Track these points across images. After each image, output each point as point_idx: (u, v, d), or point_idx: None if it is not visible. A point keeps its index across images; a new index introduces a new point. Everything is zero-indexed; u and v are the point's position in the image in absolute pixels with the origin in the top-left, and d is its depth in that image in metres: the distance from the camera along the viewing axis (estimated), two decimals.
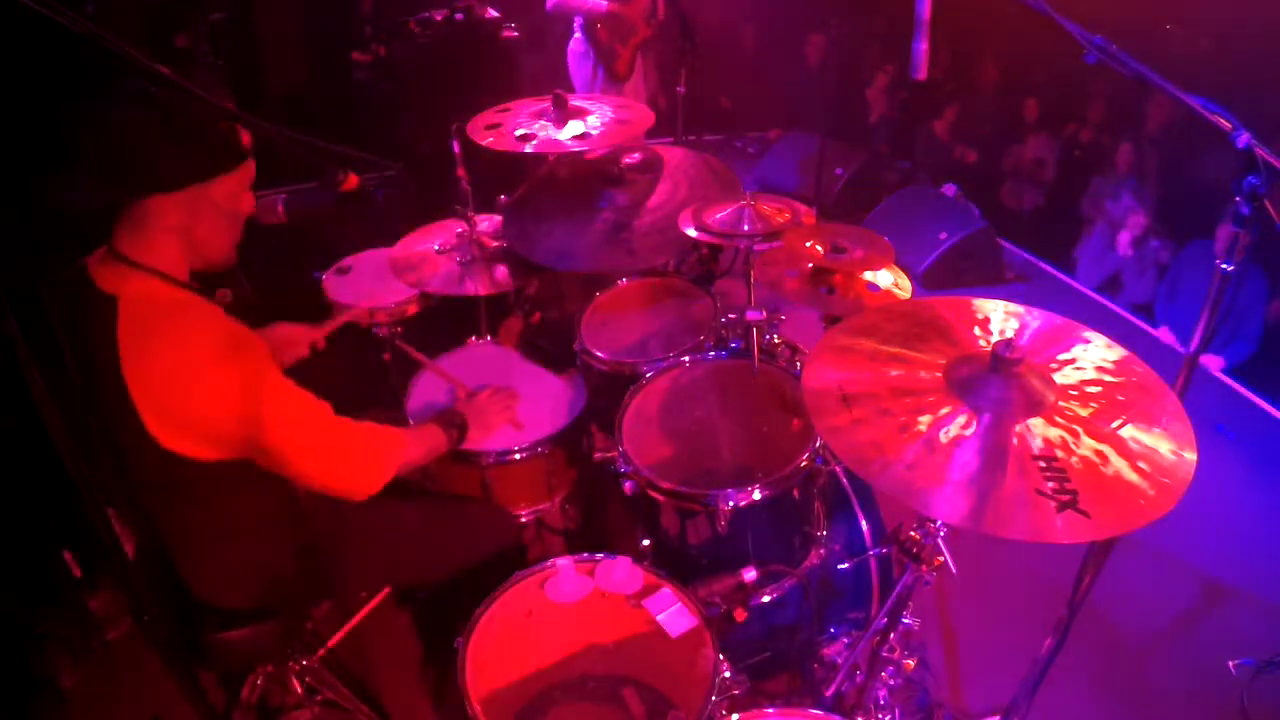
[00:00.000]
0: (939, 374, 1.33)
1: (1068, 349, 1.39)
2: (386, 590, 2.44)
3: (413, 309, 2.57)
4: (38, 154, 2.08)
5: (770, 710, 1.53)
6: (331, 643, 2.34)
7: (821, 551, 1.96)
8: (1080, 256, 5.14)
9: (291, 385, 1.55)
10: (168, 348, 1.44)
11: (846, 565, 1.99)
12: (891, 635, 1.66)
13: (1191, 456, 1.20)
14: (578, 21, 4.13)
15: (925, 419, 1.25)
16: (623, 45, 4.13)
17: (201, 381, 1.44)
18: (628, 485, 1.90)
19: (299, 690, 2.05)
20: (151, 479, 1.56)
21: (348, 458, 1.64)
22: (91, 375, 1.47)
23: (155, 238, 1.48)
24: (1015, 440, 1.21)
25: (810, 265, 2.08)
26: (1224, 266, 1.30)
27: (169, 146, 1.41)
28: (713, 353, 2.19)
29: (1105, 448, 1.20)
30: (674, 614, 1.66)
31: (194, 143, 1.44)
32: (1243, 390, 3.88)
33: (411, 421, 2.23)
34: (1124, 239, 4.82)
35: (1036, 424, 1.23)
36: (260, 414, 1.48)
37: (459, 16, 4.22)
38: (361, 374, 2.71)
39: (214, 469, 1.51)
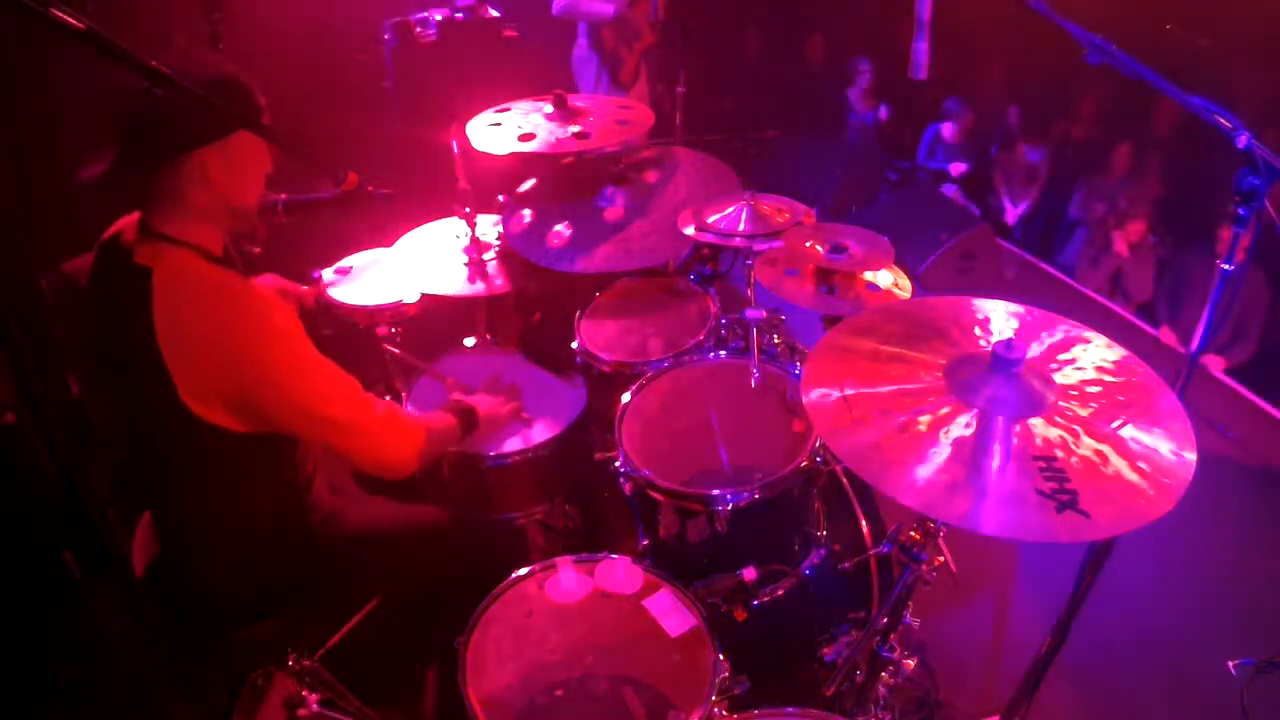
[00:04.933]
0: (939, 374, 1.33)
1: (1068, 349, 1.39)
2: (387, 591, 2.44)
3: (413, 309, 2.56)
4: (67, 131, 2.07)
5: (770, 710, 1.53)
6: (331, 643, 2.34)
7: (821, 551, 1.96)
8: (1079, 257, 5.13)
9: (322, 358, 1.58)
10: (203, 318, 1.46)
11: (846, 565, 1.99)
12: (891, 635, 1.66)
13: (1191, 456, 1.20)
14: (581, 26, 4.11)
15: (925, 419, 1.25)
16: (628, 51, 4.11)
17: (235, 351, 1.46)
18: (628, 485, 1.90)
19: (299, 690, 2.04)
20: (176, 450, 1.57)
21: (379, 432, 1.66)
22: (124, 346, 1.48)
23: (189, 209, 1.50)
24: (1015, 440, 1.21)
25: (810, 265, 2.08)
26: (1225, 267, 1.30)
27: (201, 101, 1.42)
28: (713, 353, 2.19)
29: (1105, 448, 1.20)
30: (674, 614, 1.66)
31: (223, 95, 1.46)
32: (1243, 390, 3.88)
33: None
34: (1120, 240, 4.81)
35: (1036, 424, 1.23)
36: (289, 386, 1.51)
37: (459, 16, 4.22)
38: (362, 374, 2.70)
39: (236, 442, 1.53)
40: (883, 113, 6.18)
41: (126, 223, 1.55)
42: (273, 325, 1.50)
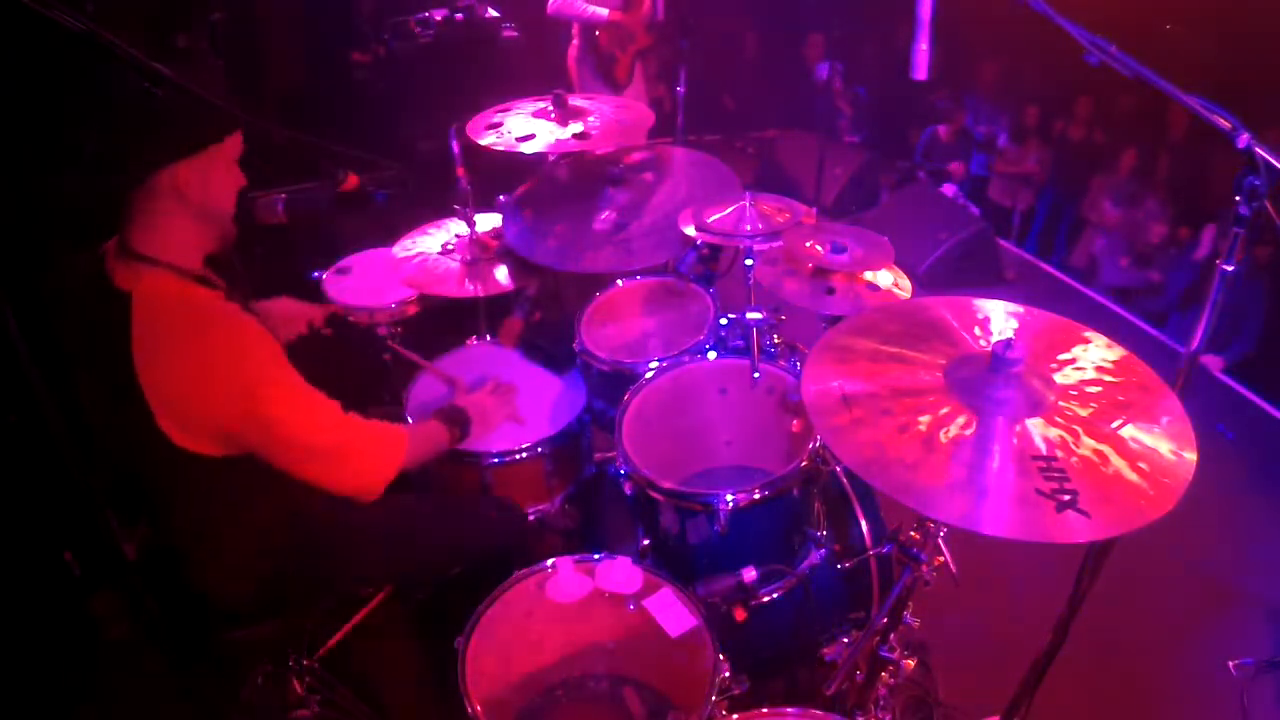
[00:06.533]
0: (939, 374, 1.33)
1: (1068, 349, 1.39)
2: (387, 590, 2.44)
3: (413, 309, 2.57)
4: (39, 149, 2.07)
5: (770, 710, 1.53)
6: (331, 643, 2.34)
7: (822, 551, 1.96)
8: (1102, 260, 5.11)
9: (301, 383, 1.56)
10: (180, 345, 1.45)
11: (846, 565, 1.99)
12: (891, 635, 1.66)
13: (1191, 456, 1.20)
14: (576, 27, 4.11)
15: (925, 419, 1.25)
16: (622, 52, 4.11)
17: (212, 380, 1.45)
18: (628, 485, 1.90)
19: (299, 690, 2.05)
20: (160, 475, 1.56)
21: (354, 458, 1.64)
22: (103, 370, 1.47)
23: (166, 226, 1.49)
24: (1015, 440, 1.21)
25: (810, 265, 2.08)
26: (1225, 267, 1.30)
27: (175, 117, 1.43)
28: (713, 353, 2.19)
29: (1105, 448, 1.20)
30: (674, 614, 1.66)
31: (192, 112, 1.46)
32: (1243, 390, 3.88)
33: (411, 420, 2.23)
34: (1141, 246, 4.82)
35: (1036, 424, 1.23)
36: (269, 413, 1.49)
37: (459, 16, 4.22)
38: (361, 374, 2.70)
39: (222, 465, 1.52)
40: (845, 98, 6.20)
41: (111, 246, 1.53)
42: (253, 351, 1.48)
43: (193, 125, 1.46)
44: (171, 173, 1.45)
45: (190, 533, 1.65)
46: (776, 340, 2.27)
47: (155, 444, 1.45)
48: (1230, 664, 2.40)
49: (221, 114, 1.50)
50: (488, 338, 2.61)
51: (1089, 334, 1.42)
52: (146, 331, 1.44)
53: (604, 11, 3.93)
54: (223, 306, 1.51)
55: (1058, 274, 5.07)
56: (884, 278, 2.12)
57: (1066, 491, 1.13)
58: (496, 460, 2.13)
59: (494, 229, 2.60)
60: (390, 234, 2.69)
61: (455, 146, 2.40)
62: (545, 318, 2.85)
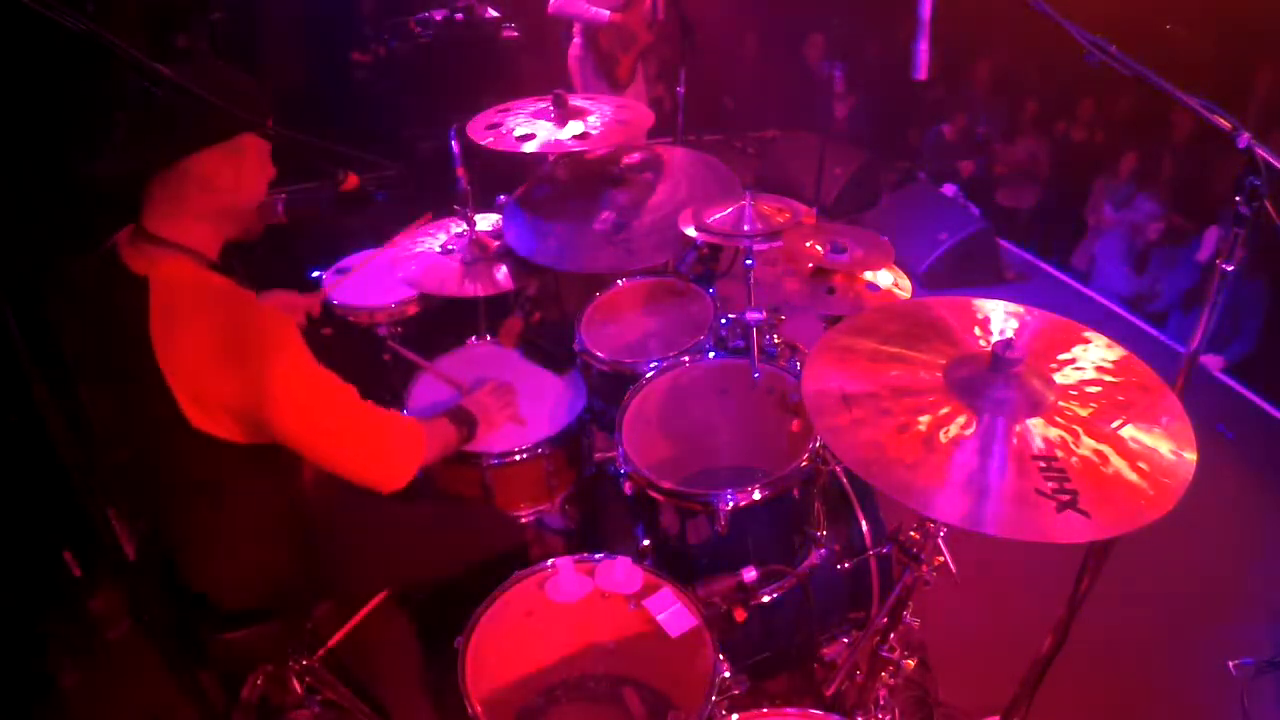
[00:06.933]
0: (939, 374, 1.33)
1: (1068, 349, 1.39)
2: (387, 590, 2.44)
3: (413, 309, 2.57)
4: (74, 122, 2.04)
5: (770, 710, 1.53)
6: (331, 643, 2.34)
7: (822, 551, 1.96)
8: (1107, 261, 5.11)
9: (319, 369, 1.56)
10: (200, 330, 1.44)
11: (846, 565, 1.99)
12: (891, 635, 1.66)
13: (1191, 456, 1.20)
14: (577, 26, 4.12)
15: (925, 419, 1.25)
16: (624, 53, 4.12)
17: (232, 365, 1.44)
18: (628, 485, 1.90)
19: (299, 690, 2.04)
20: (176, 463, 1.56)
21: (374, 444, 1.64)
22: (119, 357, 1.47)
23: (189, 211, 1.48)
24: (1015, 440, 1.21)
25: (810, 265, 2.08)
26: (1225, 267, 1.30)
27: (220, 98, 1.42)
28: (713, 353, 2.19)
29: (1105, 448, 1.20)
30: (674, 614, 1.66)
31: (240, 94, 1.45)
32: (1243, 390, 3.88)
33: None
34: (1136, 243, 4.82)
35: (1036, 424, 1.23)
36: (288, 396, 1.49)
37: (459, 16, 4.22)
38: (361, 374, 2.70)
39: (238, 454, 1.52)
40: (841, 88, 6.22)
41: (123, 236, 1.53)
42: (272, 334, 1.48)
43: (209, 119, 1.45)
44: (199, 160, 1.45)
45: (197, 527, 1.65)
46: (776, 340, 2.28)
47: (175, 428, 1.45)
48: (1230, 664, 2.40)
49: (234, 112, 1.49)
50: (488, 338, 2.61)
51: (1089, 334, 1.42)
52: (165, 314, 1.43)
53: (605, 13, 3.93)
54: (239, 290, 1.51)
55: (1058, 274, 5.07)
56: (884, 278, 2.12)
57: (1066, 491, 1.13)
58: (496, 460, 2.13)
59: (494, 229, 2.60)
60: (390, 234, 2.69)
61: (455, 146, 2.40)
62: (545, 318, 2.85)
